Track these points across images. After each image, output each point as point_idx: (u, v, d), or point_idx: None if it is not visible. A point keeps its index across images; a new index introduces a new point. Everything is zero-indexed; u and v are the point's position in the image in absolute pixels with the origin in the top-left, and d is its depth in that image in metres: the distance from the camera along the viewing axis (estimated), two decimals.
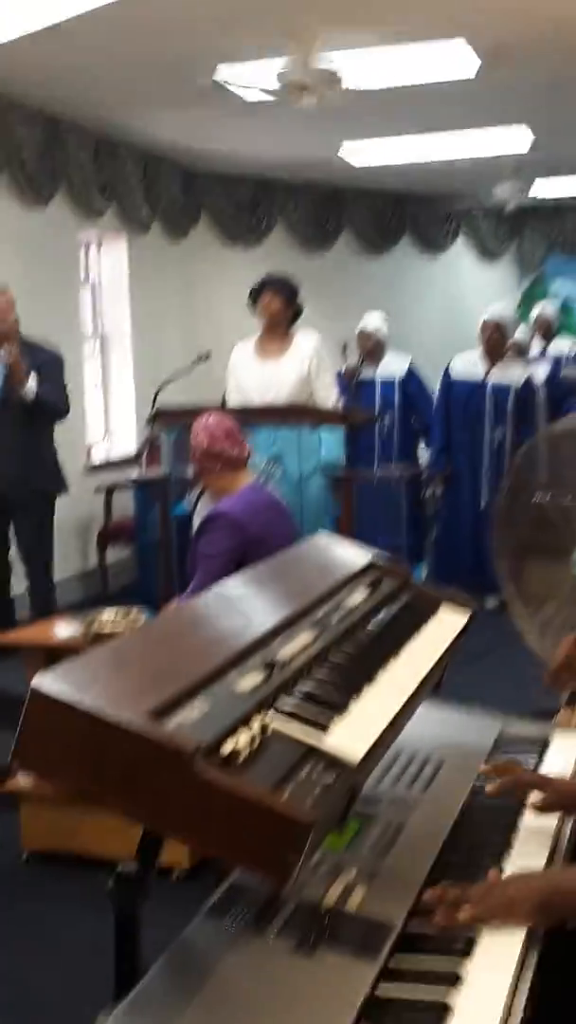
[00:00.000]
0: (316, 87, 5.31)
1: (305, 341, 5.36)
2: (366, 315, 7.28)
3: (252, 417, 5.05)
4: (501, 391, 6.41)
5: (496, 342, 6.46)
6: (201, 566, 3.73)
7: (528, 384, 6.49)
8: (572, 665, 2.96)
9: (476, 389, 6.45)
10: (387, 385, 6.97)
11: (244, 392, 5.37)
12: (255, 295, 5.37)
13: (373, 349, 7.07)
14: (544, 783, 1.79)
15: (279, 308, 5.30)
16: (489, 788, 1.76)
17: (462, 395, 6.51)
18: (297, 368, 5.28)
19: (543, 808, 1.75)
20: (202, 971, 1.32)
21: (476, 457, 6.46)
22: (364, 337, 7.13)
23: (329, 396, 5.35)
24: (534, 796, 1.76)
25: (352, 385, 7.00)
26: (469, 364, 6.59)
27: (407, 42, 5.51)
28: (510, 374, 6.47)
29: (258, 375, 5.32)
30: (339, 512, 5.20)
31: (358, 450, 6.92)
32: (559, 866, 1.68)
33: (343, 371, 7.20)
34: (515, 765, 1.86)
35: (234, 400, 5.45)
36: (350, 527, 5.11)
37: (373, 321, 7.17)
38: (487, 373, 6.46)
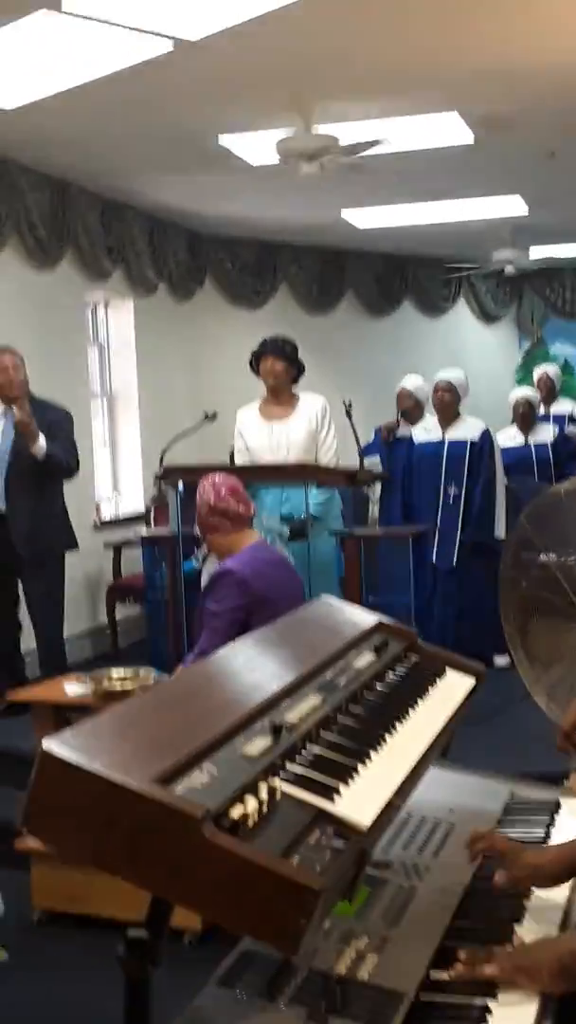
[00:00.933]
0: (316, 155, 5.41)
1: (312, 400, 5.41)
2: (407, 375, 7.35)
3: (258, 475, 5.08)
4: (456, 447, 6.44)
5: (448, 402, 6.50)
6: (208, 624, 3.73)
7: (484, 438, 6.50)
8: None
9: (434, 448, 6.49)
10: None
11: (254, 453, 5.41)
12: (256, 360, 5.42)
13: (412, 409, 7.12)
14: (501, 850, 1.74)
15: (281, 370, 5.36)
16: (471, 857, 1.74)
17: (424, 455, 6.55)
18: (305, 427, 5.32)
19: (511, 884, 1.71)
20: None
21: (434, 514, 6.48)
22: (404, 396, 7.19)
23: (331, 458, 5.38)
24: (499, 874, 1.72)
25: (385, 441, 7.04)
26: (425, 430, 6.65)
27: (402, 115, 5.65)
28: (464, 431, 6.51)
29: (267, 437, 5.36)
30: (356, 570, 5.20)
31: (395, 508, 6.96)
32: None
33: (380, 429, 7.25)
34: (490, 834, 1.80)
35: (242, 462, 5.48)
36: (356, 585, 5.12)
37: (413, 380, 7.23)
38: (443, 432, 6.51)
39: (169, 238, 8.27)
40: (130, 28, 4.23)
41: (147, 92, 5.17)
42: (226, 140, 5.98)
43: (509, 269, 9.36)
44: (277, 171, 5.97)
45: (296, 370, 5.42)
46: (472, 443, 6.40)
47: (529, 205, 8.04)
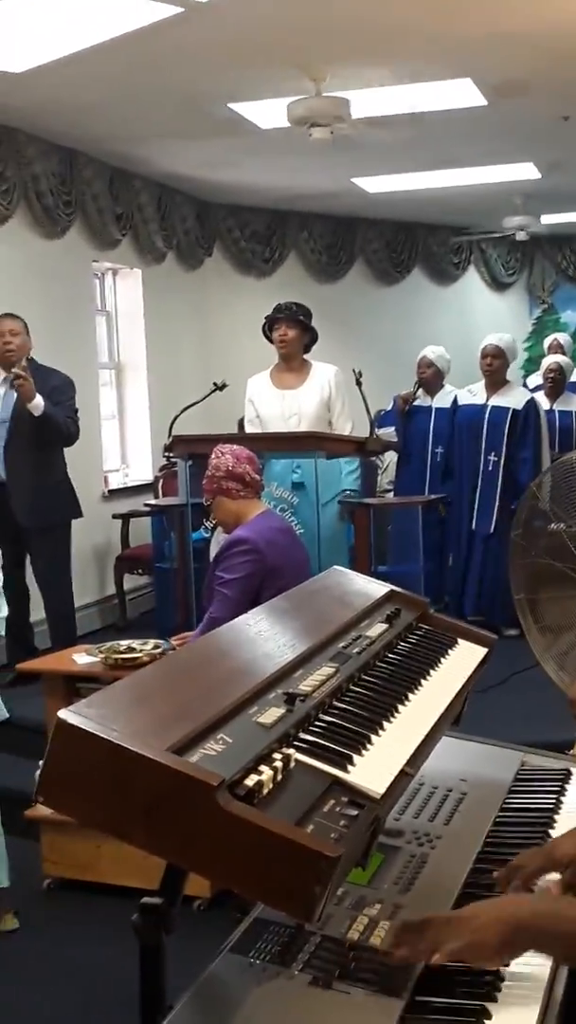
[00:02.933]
0: (327, 119, 5.36)
1: (323, 369, 5.39)
2: (428, 345, 7.28)
3: (269, 444, 5.06)
4: (497, 414, 6.44)
5: (497, 368, 6.47)
6: (220, 591, 3.74)
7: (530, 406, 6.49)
8: None
9: (477, 412, 6.49)
10: (442, 413, 6.95)
11: (265, 422, 5.39)
12: (269, 326, 5.39)
13: (431, 378, 7.07)
14: (552, 863, 1.62)
15: (295, 337, 5.32)
16: (501, 883, 1.62)
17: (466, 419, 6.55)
18: (318, 395, 5.30)
19: (569, 890, 1.59)
20: (228, 1006, 1.32)
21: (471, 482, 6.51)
22: (424, 365, 7.13)
23: (345, 426, 5.36)
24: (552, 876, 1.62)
25: (402, 411, 7.01)
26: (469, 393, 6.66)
27: (414, 81, 5.59)
28: (509, 399, 6.50)
29: (279, 404, 5.34)
30: (363, 540, 5.19)
31: (410, 478, 6.95)
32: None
33: (397, 398, 7.22)
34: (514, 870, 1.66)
35: (252, 430, 5.47)
36: (366, 555, 5.11)
37: (434, 350, 7.17)
38: (488, 398, 6.50)
39: (177, 206, 8.22)
40: None
41: (156, 57, 5.12)
42: (236, 105, 5.93)
43: (520, 235, 9.28)
44: (287, 136, 5.92)
45: (309, 337, 5.39)
46: (515, 411, 6.39)
47: (541, 171, 7.96)
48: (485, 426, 6.40)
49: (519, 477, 6.26)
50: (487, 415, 6.41)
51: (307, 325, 5.35)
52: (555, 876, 1.62)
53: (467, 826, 1.85)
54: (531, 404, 6.45)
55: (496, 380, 6.46)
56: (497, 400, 6.42)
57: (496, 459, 6.38)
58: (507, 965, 1.42)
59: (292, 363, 5.38)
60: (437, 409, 6.95)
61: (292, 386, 5.36)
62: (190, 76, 5.47)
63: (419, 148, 7.12)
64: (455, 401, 6.67)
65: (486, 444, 6.40)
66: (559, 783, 2.09)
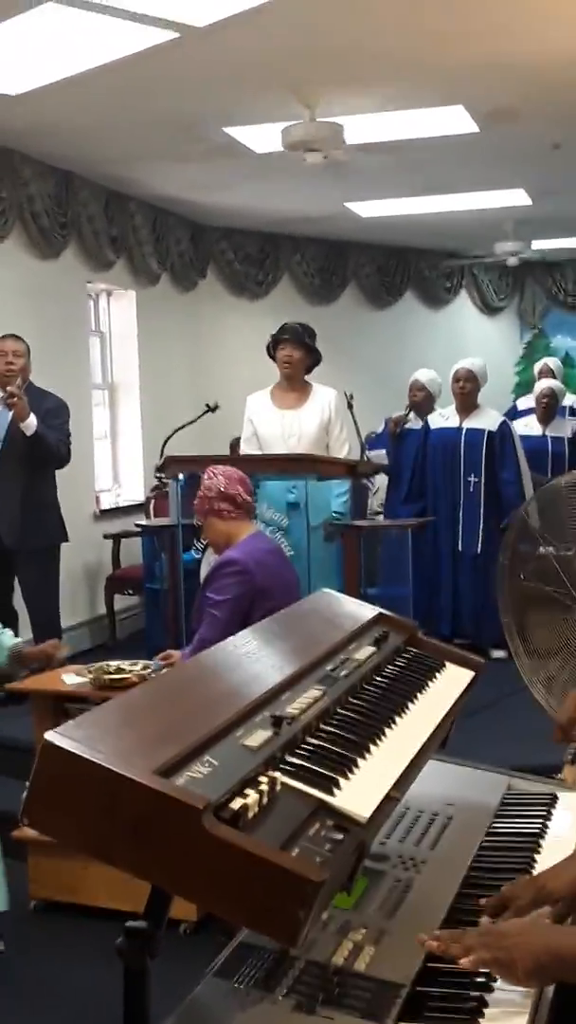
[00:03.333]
0: (321, 144, 5.41)
1: (324, 392, 5.41)
2: (420, 368, 7.35)
3: (262, 466, 5.07)
4: (473, 435, 6.51)
5: (469, 391, 6.55)
6: (210, 612, 3.74)
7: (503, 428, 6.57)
8: None
9: (452, 435, 6.53)
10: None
11: (264, 441, 5.39)
12: (274, 345, 5.41)
13: (422, 402, 7.12)
14: (543, 896, 1.61)
15: (300, 359, 5.34)
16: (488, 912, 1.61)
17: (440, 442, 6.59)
18: (318, 417, 5.31)
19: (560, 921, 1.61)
20: None
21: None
22: (415, 389, 7.19)
23: (343, 450, 5.39)
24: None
25: (393, 434, 7.05)
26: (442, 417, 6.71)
27: (407, 107, 5.64)
28: (483, 421, 6.57)
29: (279, 424, 5.35)
30: (352, 562, 5.20)
31: (400, 501, 6.97)
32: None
33: (388, 420, 7.26)
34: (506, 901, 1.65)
35: (248, 449, 5.47)
36: (355, 577, 5.12)
37: (426, 374, 7.23)
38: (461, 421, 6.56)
39: (172, 228, 8.26)
40: (135, 15, 4.22)
41: (151, 81, 5.16)
42: (231, 129, 5.97)
43: (511, 261, 9.36)
44: (281, 160, 5.96)
45: (313, 359, 5.41)
46: (490, 433, 6.49)
47: (532, 197, 8.03)
48: (463, 448, 6.48)
49: (503, 497, 6.38)
50: (463, 438, 6.48)
51: (312, 347, 5.38)
52: (546, 909, 1.62)
53: (453, 851, 1.85)
54: (505, 426, 6.59)
55: (469, 403, 6.56)
56: (471, 423, 6.51)
57: (476, 480, 6.46)
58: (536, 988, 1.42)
59: (294, 384, 5.40)
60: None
61: (293, 407, 5.38)
62: (185, 100, 5.51)
63: (411, 173, 7.18)
64: (426, 425, 6.70)
65: (465, 466, 6.47)
66: (545, 808, 2.09)
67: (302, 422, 5.33)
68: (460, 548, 6.51)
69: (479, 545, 6.44)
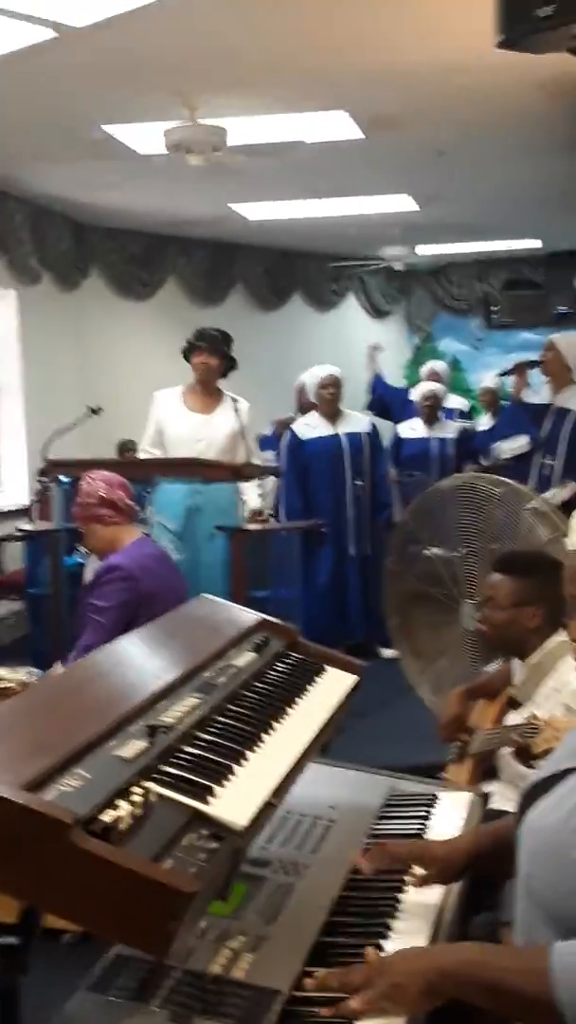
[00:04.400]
0: (203, 146, 5.38)
1: (237, 402, 5.37)
2: (308, 371, 7.34)
3: (144, 470, 5.02)
4: (354, 439, 6.62)
5: (339, 397, 6.66)
6: (93, 619, 3.68)
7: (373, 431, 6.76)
8: (461, 720, 3.02)
9: (330, 442, 6.60)
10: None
11: (171, 442, 5.33)
12: (189, 349, 5.37)
13: (310, 405, 7.12)
14: (419, 854, 1.78)
15: (215, 367, 5.32)
16: (362, 863, 1.74)
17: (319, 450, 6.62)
18: (229, 425, 5.28)
19: (425, 883, 1.75)
20: None
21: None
22: (304, 392, 7.20)
23: (255, 460, 5.39)
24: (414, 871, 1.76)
25: (281, 437, 7.05)
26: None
27: (291, 111, 5.66)
28: (355, 425, 6.70)
29: (187, 427, 5.30)
30: (239, 566, 5.17)
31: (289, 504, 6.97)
32: (444, 933, 1.68)
33: (276, 423, 7.25)
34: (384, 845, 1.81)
35: (150, 447, 5.40)
36: (242, 581, 5.10)
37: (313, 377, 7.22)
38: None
39: (53, 227, 8.13)
40: (12, 13, 4.14)
41: (31, 79, 5.06)
42: (111, 128, 5.91)
43: (398, 265, 9.48)
44: (165, 161, 5.92)
45: (227, 366, 5.39)
46: (367, 435, 6.66)
47: (418, 203, 8.14)
48: (347, 453, 6.54)
49: (380, 496, 6.63)
50: (345, 443, 6.53)
51: (227, 355, 5.35)
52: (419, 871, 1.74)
53: (334, 854, 1.85)
54: (373, 426, 6.83)
55: (336, 409, 6.63)
56: (345, 428, 6.59)
57: (362, 483, 6.58)
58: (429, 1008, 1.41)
59: (207, 389, 5.36)
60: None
61: (203, 411, 5.34)
62: (65, 99, 5.43)
63: (297, 177, 7.21)
64: (294, 436, 6.71)
65: (351, 470, 6.54)
66: (425, 808, 2.11)
67: (212, 428, 5.30)
68: (352, 552, 6.56)
69: (370, 546, 6.52)
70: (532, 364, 6.11)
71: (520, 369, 6.28)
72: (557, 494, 5.21)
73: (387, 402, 8.50)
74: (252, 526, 5.42)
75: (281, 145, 6.21)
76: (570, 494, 5.28)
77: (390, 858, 1.75)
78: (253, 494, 5.51)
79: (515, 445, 6.08)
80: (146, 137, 5.89)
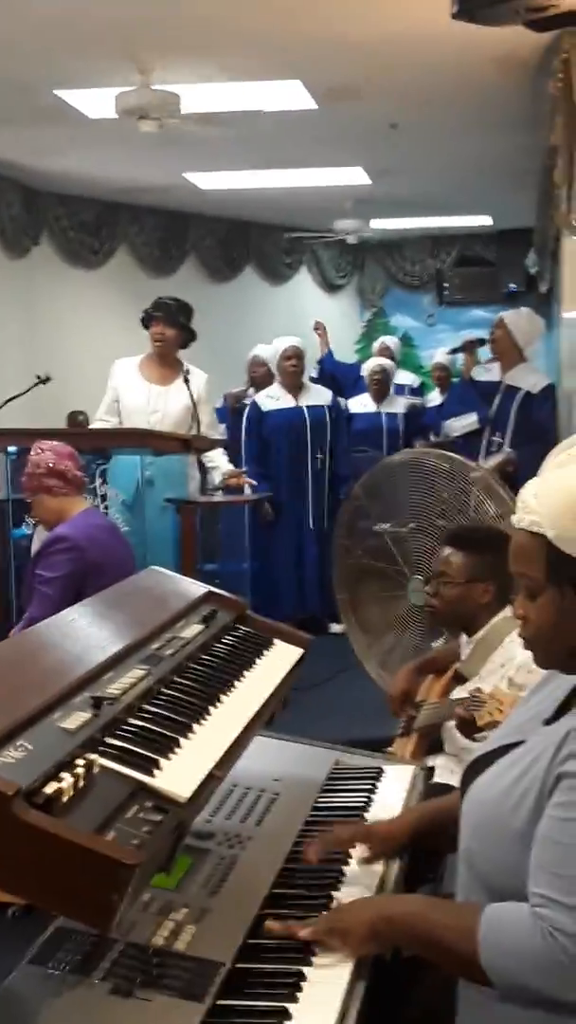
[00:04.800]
0: (155, 112, 5.32)
1: (196, 374, 5.31)
2: (259, 344, 7.30)
3: (95, 441, 4.97)
4: (316, 412, 6.60)
5: (301, 369, 6.65)
6: (40, 590, 3.65)
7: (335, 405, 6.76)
8: (409, 695, 3.04)
9: (292, 414, 6.58)
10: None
11: (126, 411, 5.26)
12: (146, 320, 5.30)
13: (262, 377, 7.10)
14: (364, 834, 1.80)
15: (172, 337, 5.24)
16: (309, 854, 1.73)
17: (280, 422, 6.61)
18: (186, 398, 5.22)
19: (369, 860, 1.77)
20: (21, 1021, 1.28)
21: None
22: (256, 364, 7.16)
23: (214, 433, 5.34)
24: (359, 849, 1.79)
25: (233, 410, 7.01)
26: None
27: (245, 79, 5.60)
28: (317, 397, 6.69)
29: (144, 397, 5.23)
30: (188, 538, 5.16)
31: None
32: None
33: (227, 395, 7.20)
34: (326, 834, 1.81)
35: (106, 416, 5.35)
36: (192, 553, 5.09)
37: (266, 349, 7.19)
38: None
39: (3, 193, 7.99)
40: None
41: None
42: (62, 92, 5.81)
43: (351, 239, 9.46)
44: (117, 126, 5.84)
45: (186, 336, 5.32)
46: (329, 408, 6.62)
47: (371, 176, 8.12)
48: (308, 427, 6.52)
49: (339, 471, 6.56)
50: (307, 416, 6.52)
51: (186, 326, 5.28)
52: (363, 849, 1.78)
53: (278, 827, 1.86)
54: (334, 399, 6.77)
55: (299, 381, 6.61)
56: (307, 400, 6.58)
57: (322, 456, 6.55)
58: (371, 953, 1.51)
59: (165, 360, 5.30)
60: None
61: (160, 382, 5.28)
62: (14, 61, 5.32)
63: (251, 147, 7.14)
64: (255, 406, 6.70)
65: (312, 444, 6.51)
66: (371, 781, 2.12)
67: (168, 399, 5.25)
68: (311, 525, 6.56)
69: (325, 521, 6.51)
70: (481, 342, 6.12)
71: (469, 347, 6.30)
72: (491, 460, 5.26)
73: (338, 378, 8.49)
74: (232, 481, 5.44)
75: (235, 114, 6.15)
76: (503, 459, 5.32)
77: (335, 843, 1.78)
78: (223, 459, 5.48)
79: (464, 423, 6.12)
80: (97, 101, 5.80)
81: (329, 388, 7.10)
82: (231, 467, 5.51)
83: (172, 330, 5.25)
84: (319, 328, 8.92)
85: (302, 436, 6.53)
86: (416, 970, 1.64)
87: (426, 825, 1.80)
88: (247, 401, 7.02)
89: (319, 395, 6.70)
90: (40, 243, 8.70)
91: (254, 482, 5.82)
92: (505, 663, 2.73)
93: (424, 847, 1.84)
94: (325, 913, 1.56)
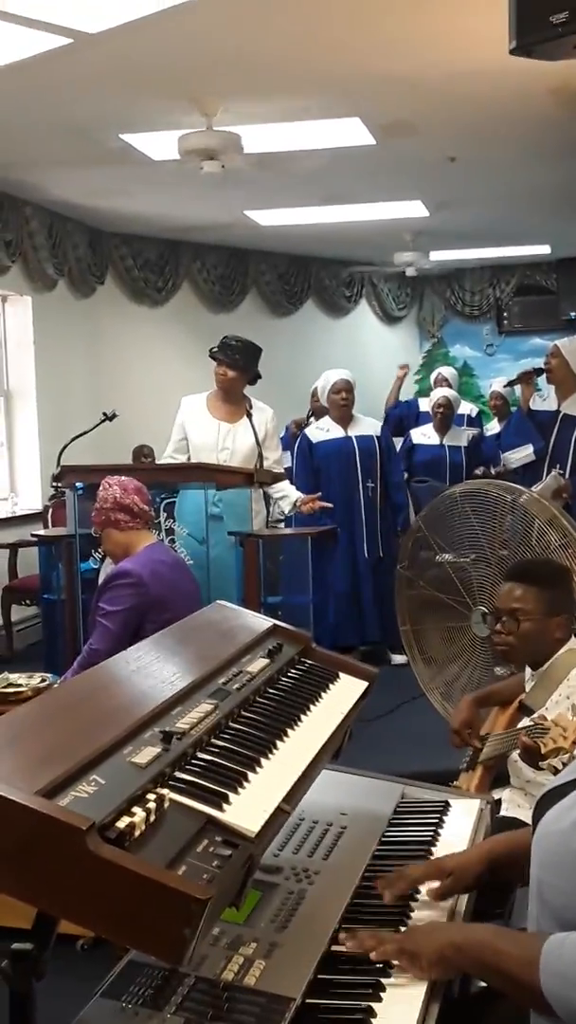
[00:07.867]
0: (218, 153, 5.40)
1: (261, 410, 5.36)
2: (322, 376, 7.37)
3: (158, 476, 5.03)
4: (365, 442, 6.65)
5: (352, 401, 6.70)
6: (101, 623, 3.70)
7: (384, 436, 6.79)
8: (472, 726, 3.02)
9: (342, 444, 6.62)
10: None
11: (196, 448, 5.34)
12: (212, 357, 5.37)
13: (320, 410, 7.16)
14: (436, 871, 1.79)
15: (234, 379, 5.30)
16: (383, 890, 1.74)
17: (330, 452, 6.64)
18: (252, 435, 5.27)
19: (440, 895, 1.76)
20: None
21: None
22: (316, 396, 7.22)
23: (277, 467, 5.40)
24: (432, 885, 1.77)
25: (294, 436, 7.06)
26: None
27: (305, 119, 5.67)
28: (367, 428, 6.74)
29: (212, 434, 5.31)
30: (251, 572, 5.18)
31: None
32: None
33: (290, 425, 7.26)
34: (401, 873, 1.81)
35: (174, 454, 5.41)
36: (255, 586, 5.11)
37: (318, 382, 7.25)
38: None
39: (69, 234, 8.17)
40: (26, 20, 4.16)
41: (46, 85, 5.09)
42: (127, 136, 5.94)
43: (410, 271, 9.49)
44: (179, 167, 5.94)
45: (251, 376, 5.37)
46: (378, 438, 6.68)
47: (430, 209, 8.16)
48: (358, 456, 6.57)
49: (395, 501, 6.66)
50: (356, 445, 6.56)
51: (245, 367, 5.31)
52: (435, 884, 1.76)
53: (345, 861, 1.86)
54: (384, 429, 6.88)
55: (349, 413, 6.67)
56: (357, 431, 6.61)
57: (373, 485, 6.61)
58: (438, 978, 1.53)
59: (229, 397, 5.36)
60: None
61: (228, 419, 5.34)
62: (81, 105, 5.46)
63: (310, 184, 7.22)
64: (305, 437, 6.73)
65: (362, 473, 6.56)
66: (437, 815, 2.11)
67: (236, 437, 5.31)
68: (366, 554, 6.58)
69: (380, 550, 6.53)
70: (539, 372, 6.09)
71: (526, 378, 6.28)
72: (538, 485, 5.19)
73: (402, 418, 8.50)
74: (306, 508, 5.51)
75: (295, 153, 6.23)
76: (556, 487, 5.25)
77: (408, 883, 1.77)
78: (291, 488, 5.57)
79: (521, 455, 6.07)
80: (161, 144, 5.91)
81: (396, 430, 7.14)
82: (300, 495, 5.55)
83: (234, 372, 5.30)
84: (403, 370, 8.91)
85: (352, 465, 6.57)
86: (488, 1002, 1.63)
87: (497, 859, 1.79)
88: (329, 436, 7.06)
89: (369, 426, 6.76)
90: (105, 282, 8.87)
91: (329, 505, 5.86)
92: (571, 694, 2.71)
93: (495, 881, 1.83)
94: (399, 934, 1.59)
